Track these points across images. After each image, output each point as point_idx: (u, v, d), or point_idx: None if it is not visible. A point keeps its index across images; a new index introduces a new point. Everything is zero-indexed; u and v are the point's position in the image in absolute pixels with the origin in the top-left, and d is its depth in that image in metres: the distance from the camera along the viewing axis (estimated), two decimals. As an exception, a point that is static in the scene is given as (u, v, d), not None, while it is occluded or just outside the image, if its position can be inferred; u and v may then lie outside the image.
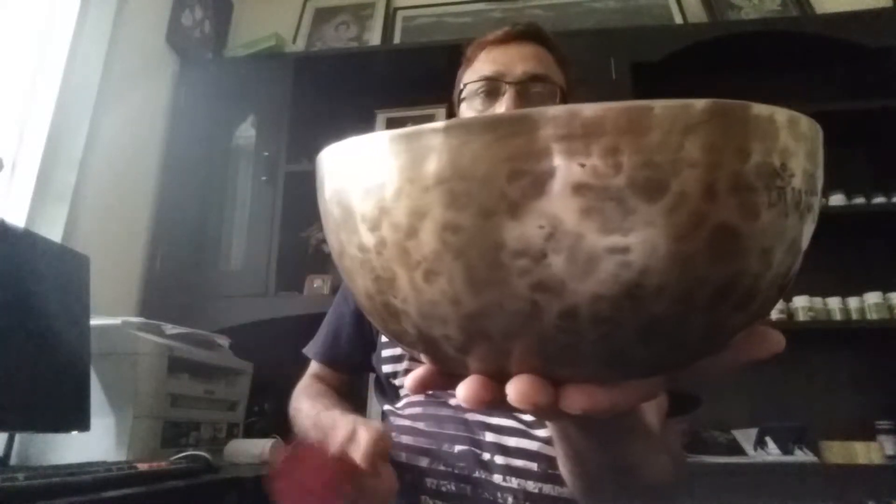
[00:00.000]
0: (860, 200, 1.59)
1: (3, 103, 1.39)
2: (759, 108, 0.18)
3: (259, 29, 2.05)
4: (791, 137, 0.19)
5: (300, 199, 1.69)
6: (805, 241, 0.21)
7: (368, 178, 0.20)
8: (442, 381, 0.25)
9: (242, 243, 1.77)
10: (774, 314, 1.53)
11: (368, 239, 0.21)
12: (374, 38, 2.08)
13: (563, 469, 0.46)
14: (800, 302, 1.54)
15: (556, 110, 0.17)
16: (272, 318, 1.59)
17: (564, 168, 0.17)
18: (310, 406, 0.80)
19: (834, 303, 1.54)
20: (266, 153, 1.75)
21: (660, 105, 0.17)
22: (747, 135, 0.18)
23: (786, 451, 1.42)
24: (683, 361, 0.23)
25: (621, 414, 0.23)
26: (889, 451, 1.40)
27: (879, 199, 1.58)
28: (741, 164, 0.18)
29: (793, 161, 0.19)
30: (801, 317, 1.52)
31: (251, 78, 1.88)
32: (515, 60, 0.75)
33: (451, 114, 0.85)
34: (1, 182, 1.36)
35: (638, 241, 0.18)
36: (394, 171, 0.19)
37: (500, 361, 0.21)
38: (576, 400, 0.21)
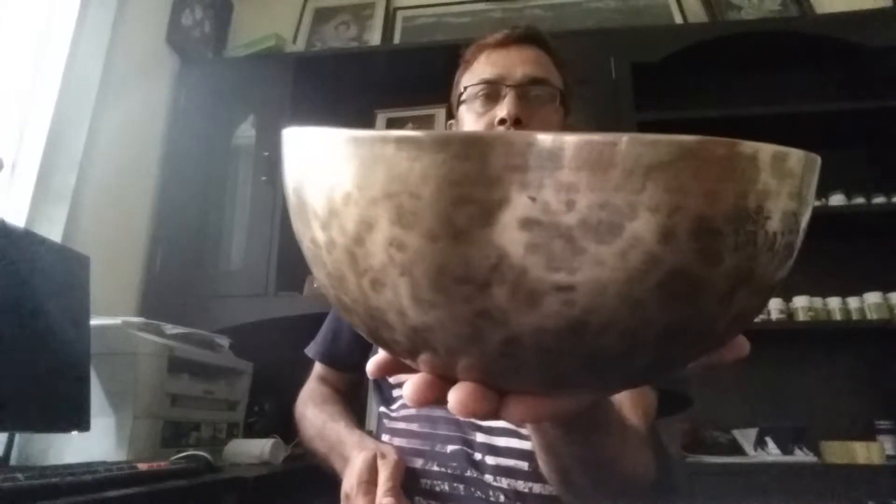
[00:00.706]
0: (860, 200, 1.59)
1: (3, 103, 1.39)
2: (741, 147, 0.17)
3: (259, 29, 2.05)
4: (774, 177, 0.18)
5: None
6: (778, 280, 0.20)
7: (321, 175, 0.20)
8: (399, 367, 0.25)
9: (242, 243, 1.77)
10: (774, 314, 1.53)
11: (320, 235, 0.20)
12: (374, 38, 2.09)
13: (540, 461, 0.46)
14: (800, 302, 1.54)
15: (511, 136, 0.16)
16: (272, 318, 1.59)
17: (514, 200, 0.16)
18: (314, 414, 0.81)
19: (834, 303, 1.54)
20: (266, 153, 1.74)
21: (625, 140, 0.16)
22: (721, 176, 0.16)
23: (786, 451, 1.42)
24: (630, 384, 0.23)
25: (576, 415, 0.24)
26: (889, 451, 1.40)
27: (879, 199, 1.58)
28: (708, 207, 0.16)
29: (771, 202, 0.18)
30: (801, 317, 1.52)
31: (251, 78, 1.88)
32: (515, 63, 0.75)
33: (451, 115, 0.85)
34: (1, 182, 1.36)
35: (584, 280, 0.17)
36: (344, 174, 0.19)
37: (445, 369, 0.21)
38: (517, 411, 0.22)
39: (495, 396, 0.21)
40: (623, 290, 0.17)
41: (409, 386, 0.22)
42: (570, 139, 0.16)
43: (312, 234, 0.21)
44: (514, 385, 0.21)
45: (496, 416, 0.22)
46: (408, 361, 0.23)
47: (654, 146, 0.16)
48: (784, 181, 0.18)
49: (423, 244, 0.17)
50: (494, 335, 0.18)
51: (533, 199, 0.16)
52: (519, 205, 0.16)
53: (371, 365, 0.26)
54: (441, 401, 0.22)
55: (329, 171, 0.19)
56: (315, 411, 0.81)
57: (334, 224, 0.19)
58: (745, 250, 0.18)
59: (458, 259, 0.17)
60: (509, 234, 0.17)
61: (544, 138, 0.16)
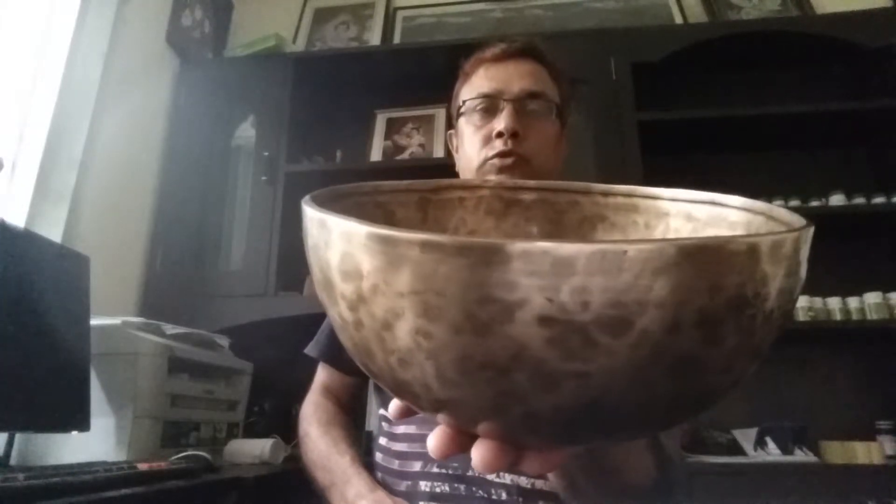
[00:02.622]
0: (860, 200, 1.59)
1: (3, 103, 1.39)
2: (740, 244, 0.18)
3: (259, 29, 2.05)
4: (771, 265, 0.19)
5: (300, 199, 1.69)
6: (774, 340, 0.22)
7: (347, 263, 0.21)
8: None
9: (242, 243, 1.77)
10: (774, 314, 1.53)
11: (347, 314, 0.22)
12: (374, 38, 2.09)
13: None
14: (800, 302, 1.53)
15: (529, 247, 0.17)
16: (272, 318, 1.59)
17: (532, 301, 0.18)
18: (319, 435, 0.80)
19: (834, 303, 1.54)
20: (266, 153, 1.74)
21: (633, 248, 0.17)
22: (721, 272, 0.18)
23: (786, 451, 1.42)
24: (639, 438, 0.24)
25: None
26: (889, 451, 1.40)
27: (879, 199, 1.58)
28: (710, 300, 0.18)
29: (769, 286, 0.19)
30: (801, 317, 1.52)
31: (251, 78, 1.88)
32: (513, 78, 0.77)
33: (451, 124, 0.86)
34: (1, 182, 1.36)
35: (599, 368, 0.18)
36: (370, 268, 0.20)
37: (465, 428, 0.23)
38: (534, 465, 0.24)
39: (514, 452, 0.23)
40: (634, 375, 0.18)
41: (432, 440, 0.24)
42: (584, 249, 0.17)
43: (340, 311, 0.22)
44: (531, 443, 0.23)
45: (515, 468, 0.24)
46: (428, 415, 0.24)
47: (659, 252, 0.17)
48: (780, 265, 0.19)
49: (448, 335, 0.19)
50: (515, 410, 0.20)
51: (550, 301, 0.18)
52: (537, 305, 0.18)
53: (393, 408, 0.28)
54: (463, 452, 0.24)
55: (356, 262, 0.20)
56: (319, 432, 0.81)
57: (362, 309, 0.21)
58: (745, 331, 0.19)
59: (481, 349, 0.19)
60: (529, 330, 0.18)
61: (559, 247, 0.17)
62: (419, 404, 0.22)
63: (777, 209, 0.27)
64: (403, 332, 0.20)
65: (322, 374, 0.90)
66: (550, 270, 0.17)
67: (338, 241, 0.21)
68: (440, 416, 0.23)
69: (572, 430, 0.21)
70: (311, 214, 0.23)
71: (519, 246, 0.18)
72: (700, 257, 0.17)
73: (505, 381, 0.19)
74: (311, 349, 0.90)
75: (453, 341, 0.19)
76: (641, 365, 0.18)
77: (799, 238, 0.20)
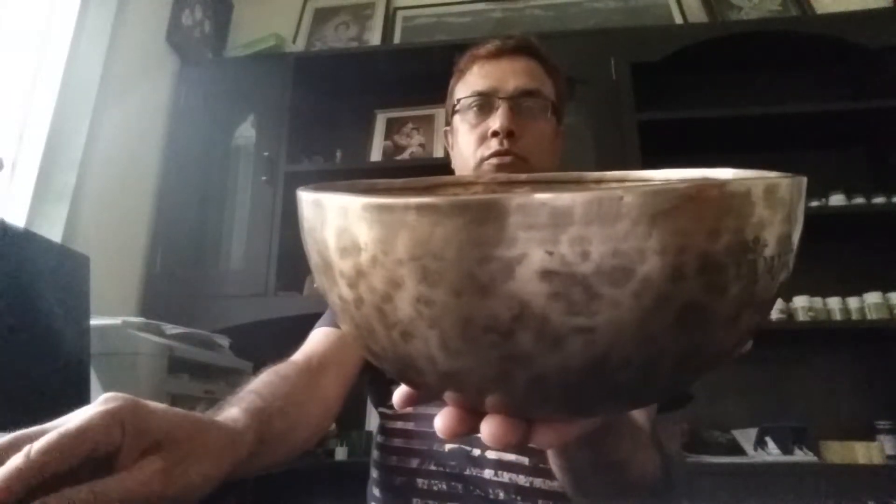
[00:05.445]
0: (860, 200, 1.59)
1: (3, 103, 1.39)
2: (735, 186, 0.18)
3: (259, 29, 2.05)
4: (767, 208, 0.19)
5: (300, 199, 1.69)
6: (778, 292, 0.21)
7: (344, 238, 0.21)
8: (425, 398, 0.26)
9: (242, 243, 1.77)
10: (774, 314, 1.53)
11: (347, 293, 0.21)
12: (374, 38, 2.09)
13: (553, 464, 0.46)
14: (800, 302, 1.54)
15: (525, 199, 0.17)
16: (272, 318, 1.59)
17: (532, 255, 0.17)
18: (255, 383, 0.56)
19: (834, 303, 1.54)
20: (266, 153, 1.74)
21: (630, 194, 0.17)
22: (719, 216, 0.18)
23: (786, 451, 1.42)
24: (649, 403, 0.23)
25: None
26: (889, 451, 1.40)
27: (879, 199, 1.58)
28: (711, 245, 0.18)
29: (767, 231, 0.19)
30: (801, 317, 1.52)
31: (251, 78, 1.88)
32: (508, 75, 0.76)
33: (448, 121, 0.85)
34: (1, 182, 1.36)
35: (603, 321, 0.18)
36: (368, 239, 0.20)
37: (472, 404, 0.23)
38: (545, 438, 0.23)
39: (523, 425, 0.22)
40: (639, 327, 0.18)
41: (440, 420, 0.24)
42: (580, 198, 0.17)
43: (339, 291, 0.22)
44: (539, 415, 0.23)
45: (526, 444, 0.23)
46: (434, 396, 0.24)
47: (655, 196, 0.17)
48: (777, 210, 0.19)
49: (450, 300, 0.19)
50: (521, 375, 0.20)
51: (550, 254, 0.17)
52: (537, 259, 0.17)
53: (396, 397, 0.27)
54: (471, 432, 0.23)
55: (353, 235, 0.20)
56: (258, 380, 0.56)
57: (362, 284, 0.20)
58: (747, 277, 0.19)
59: (483, 311, 0.18)
60: (530, 286, 0.18)
61: (556, 198, 0.17)
62: (425, 381, 0.22)
63: (769, 172, 0.28)
64: (404, 302, 0.19)
65: (315, 343, 0.73)
66: (548, 222, 0.17)
67: (334, 218, 0.21)
68: (447, 395, 0.23)
69: (580, 395, 0.20)
70: (306, 197, 0.23)
71: (515, 200, 0.17)
72: (697, 201, 0.17)
73: (509, 343, 0.18)
74: (323, 321, 0.75)
75: (455, 305, 0.18)
76: (646, 316, 0.18)
77: (793, 183, 0.20)
